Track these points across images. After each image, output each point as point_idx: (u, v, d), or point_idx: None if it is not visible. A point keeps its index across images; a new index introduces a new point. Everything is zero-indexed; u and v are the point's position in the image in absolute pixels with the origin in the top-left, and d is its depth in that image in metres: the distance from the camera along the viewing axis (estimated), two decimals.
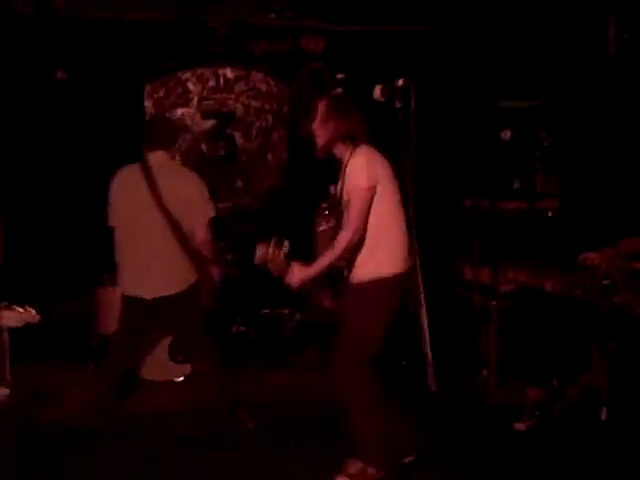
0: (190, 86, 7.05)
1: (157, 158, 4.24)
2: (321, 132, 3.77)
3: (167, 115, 6.74)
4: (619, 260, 4.21)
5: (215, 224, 5.66)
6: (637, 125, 5.66)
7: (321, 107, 3.77)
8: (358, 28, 7.00)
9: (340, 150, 3.78)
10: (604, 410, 4.27)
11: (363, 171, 3.62)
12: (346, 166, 3.71)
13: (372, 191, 3.62)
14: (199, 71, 7.05)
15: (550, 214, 5.43)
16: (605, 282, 4.06)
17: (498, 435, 4.32)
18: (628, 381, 4.27)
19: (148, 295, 4.25)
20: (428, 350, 2.62)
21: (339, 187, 3.81)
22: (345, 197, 3.72)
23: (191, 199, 4.22)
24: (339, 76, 7.07)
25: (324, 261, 3.76)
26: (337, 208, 3.86)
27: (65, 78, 6.45)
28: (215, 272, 4.49)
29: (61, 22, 6.34)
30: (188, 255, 4.27)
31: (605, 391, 4.27)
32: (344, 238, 3.64)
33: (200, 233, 4.32)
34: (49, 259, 6.27)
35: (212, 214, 4.31)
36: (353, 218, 3.63)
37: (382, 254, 3.71)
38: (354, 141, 3.72)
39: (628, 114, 5.72)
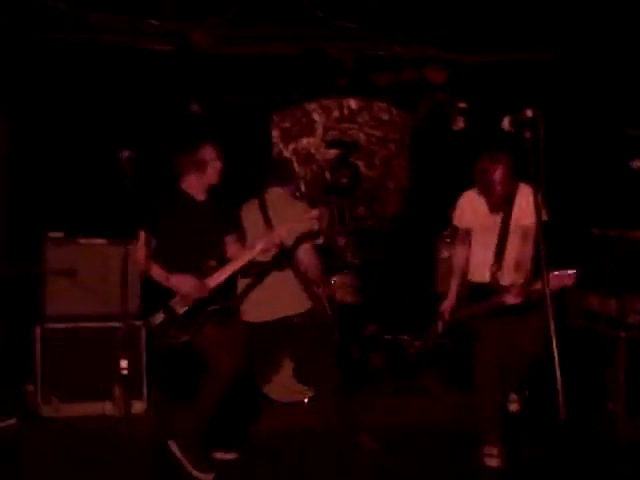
0: (315, 116, 7.28)
1: (273, 193, 4.75)
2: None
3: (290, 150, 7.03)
4: None
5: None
6: None
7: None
8: (480, 58, 7.03)
9: None
10: None
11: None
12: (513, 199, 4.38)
13: None
14: (324, 102, 7.27)
15: None
16: None
17: (626, 470, 4.22)
18: None
19: (270, 317, 4.53)
20: (559, 378, 2.63)
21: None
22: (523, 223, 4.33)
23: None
24: (461, 105, 7.12)
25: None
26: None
27: (199, 111, 6.78)
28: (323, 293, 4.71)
29: (197, 59, 6.68)
30: (299, 279, 4.59)
31: None
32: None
33: (305, 258, 4.53)
34: None
35: (319, 241, 4.49)
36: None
37: None
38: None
39: None
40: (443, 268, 6.40)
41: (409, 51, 7.00)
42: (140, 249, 4.20)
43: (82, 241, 5.53)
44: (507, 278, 4.41)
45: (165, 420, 5.03)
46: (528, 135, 3.12)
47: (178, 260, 4.18)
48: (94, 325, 5.35)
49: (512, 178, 4.42)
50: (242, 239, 4.42)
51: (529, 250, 4.41)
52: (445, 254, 6.36)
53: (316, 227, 4.51)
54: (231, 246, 4.37)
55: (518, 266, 4.44)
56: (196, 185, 4.31)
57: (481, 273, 4.54)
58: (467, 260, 4.71)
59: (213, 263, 4.22)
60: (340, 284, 6.02)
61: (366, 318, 6.30)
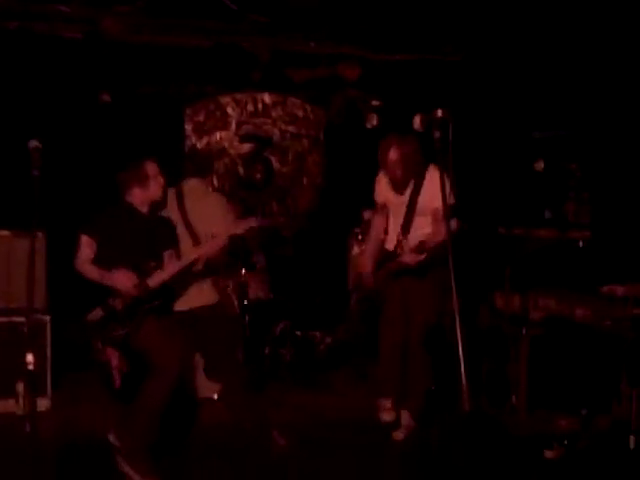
0: (229, 110, 7.23)
1: (190, 184, 4.80)
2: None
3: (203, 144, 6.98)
4: None
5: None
6: None
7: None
8: (393, 57, 7.13)
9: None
10: (632, 439, 4.30)
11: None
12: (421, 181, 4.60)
13: None
14: (238, 96, 7.23)
15: (581, 244, 5.50)
16: (635, 312, 4.10)
17: (528, 463, 4.36)
18: None
19: (186, 306, 4.56)
20: (463, 372, 2.69)
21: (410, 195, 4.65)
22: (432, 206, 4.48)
23: (213, 217, 4.57)
24: (374, 103, 7.21)
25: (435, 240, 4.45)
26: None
27: (109, 101, 6.64)
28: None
29: (106, 47, 6.53)
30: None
31: (634, 420, 4.30)
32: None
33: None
34: None
35: (235, 231, 4.49)
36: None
37: None
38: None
39: None
40: (355, 265, 6.48)
41: (323, 48, 7.01)
42: (82, 251, 4.25)
43: None
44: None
45: (70, 418, 4.93)
46: (437, 135, 3.16)
47: (117, 264, 4.21)
48: None
49: (411, 161, 4.62)
50: (178, 256, 4.43)
51: (438, 231, 4.51)
52: (357, 251, 6.43)
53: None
54: (168, 261, 4.40)
55: (422, 246, 4.57)
56: (140, 198, 4.39)
57: (390, 243, 4.84)
58: (384, 230, 4.96)
59: (153, 264, 4.27)
60: (252, 281, 6.00)
61: (277, 315, 6.30)
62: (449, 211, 3.95)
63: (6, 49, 6.17)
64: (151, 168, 4.41)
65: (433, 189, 4.48)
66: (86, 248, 4.25)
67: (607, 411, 4.51)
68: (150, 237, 4.37)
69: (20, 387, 5.00)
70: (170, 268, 4.28)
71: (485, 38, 6.80)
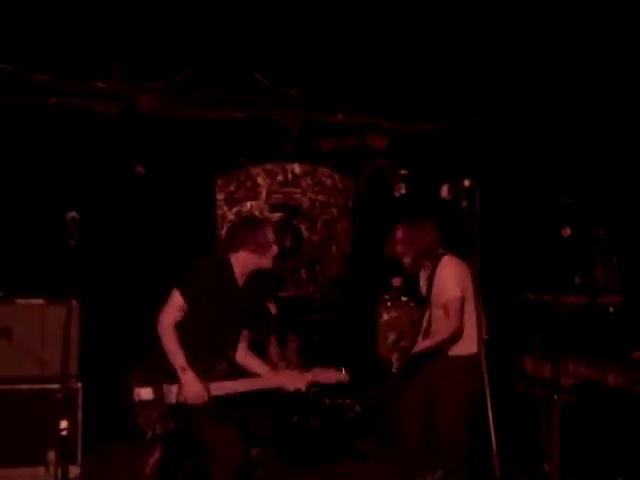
0: (259, 180, 7.38)
1: None
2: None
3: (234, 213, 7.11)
4: None
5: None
6: None
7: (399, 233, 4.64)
8: (421, 127, 7.27)
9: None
10: None
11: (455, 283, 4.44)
12: (433, 274, 4.52)
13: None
14: (268, 166, 7.39)
15: (611, 309, 5.46)
16: None
17: None
18: None
19: None
20: (493, 437, 2.70)
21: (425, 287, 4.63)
22: (439, 301, 4.48)
23: None
24: (402, 172, 7.32)
25: (428, 343, 4.51)
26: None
27: (143, 172, 6.81)
28: None
29: (142, 121, 6.74)
30: None
31: None
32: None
33: None
34: None
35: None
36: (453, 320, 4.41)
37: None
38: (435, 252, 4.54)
39: None
40: (383, 332, 6.48)
41: (352, 119, 7.18)
42: (173, 312, 3.81)
43: (20, 301, 5.45)
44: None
45: None
46: (465, 204, 3.20)
47: (201, 343, 3.82)
48: (30, 387, 5.23)
49: (416, 243, 4.61)
50: (248, 337, 4.13)
51: (448, 324, 4.49)
52: (385, 317, 6.44)
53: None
54: (242, 341, 4.08)
55: (432, 333, 4.61)
56: (245, 265, 3.94)
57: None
58: None
59: (225, 366, 3.90)
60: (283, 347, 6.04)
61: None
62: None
63: (46, 124, 6.40)
64: (271, 233, 3.99)
65: (440, 281, 4.53)
66: (177, 311, 3.81)
67: None
68: (243, 315, 4.00)
69: (51, 455, 5.03)
70: (238, 385, 3.87)
71: (511, 107, 6.93)
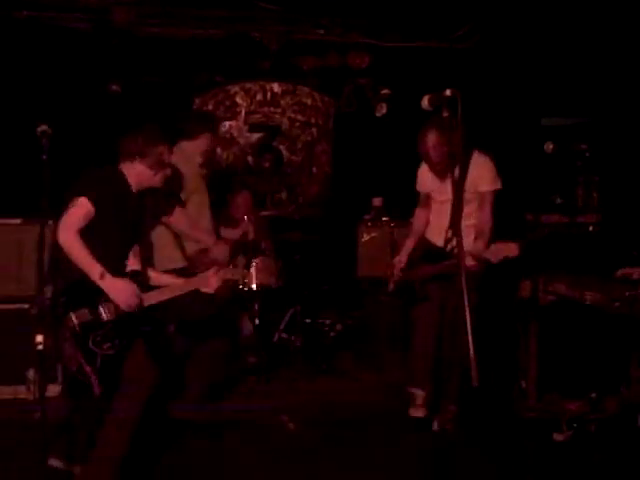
0: (238, 99, 7.23)
1: None
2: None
3: None
4: None
5: None
6: None
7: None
8: (403, 45, 7.11)
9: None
10: None
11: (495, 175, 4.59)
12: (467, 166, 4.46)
13: None
14: (247, 85, 7.23)
15: (591, 228, 5.47)
16: None
17: (537, 445, 4.36)
18: None
19: None
20: (471, 348, 2.70)
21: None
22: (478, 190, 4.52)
23: None
24: (384, 91, 7.20)
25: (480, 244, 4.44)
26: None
27: (119, 91, 6.65)
28: None
29: (116, 37, 6.54)
30: None
31: None
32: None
33: None
34: None
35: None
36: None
37: None
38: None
39: None
40: (364, 252, 6.48)
41: (333, 36, 7.01)
42: (78, 220, 3.50)
43: None
44: (465, 244, 4.49)
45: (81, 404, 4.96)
46: (446, 114, 3.16)
47: (110, 250, 3.63)
48: (7, 307, 5.21)
49: (447, 144, 4.35)
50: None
51: (487, 218, 4.56)
52: (366, 237, 6.43)
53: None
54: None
55: (478, 233, 4.55)
56: (139, 178, 3.79)
57: (437, 236, 4.68)
58: (426, 223, 4.90)
59: (138, 269, 3.75)
60: (261, 267, 5.99)
61: (287, 302, 6.32)
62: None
63: (16, 38, 6.20)
64: (168, 154, 3.87)
65: (477, 174, 4.52)
66: (83, 219, 3.51)
67: (616, 394, 4.49)
68: (139, 222, 3.86)
69: (31, 373, 5.03)
70: (160, 295, 3.76)
71: (495, 25, 6.78)
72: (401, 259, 4.86)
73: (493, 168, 4.61)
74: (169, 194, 4.37)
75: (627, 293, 4.19)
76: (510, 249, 4.05)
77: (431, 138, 4.50)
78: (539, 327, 4.96)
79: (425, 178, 4.84)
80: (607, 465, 4.09)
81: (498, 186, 4.61)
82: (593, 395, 4.53)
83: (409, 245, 4.92)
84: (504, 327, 5.27)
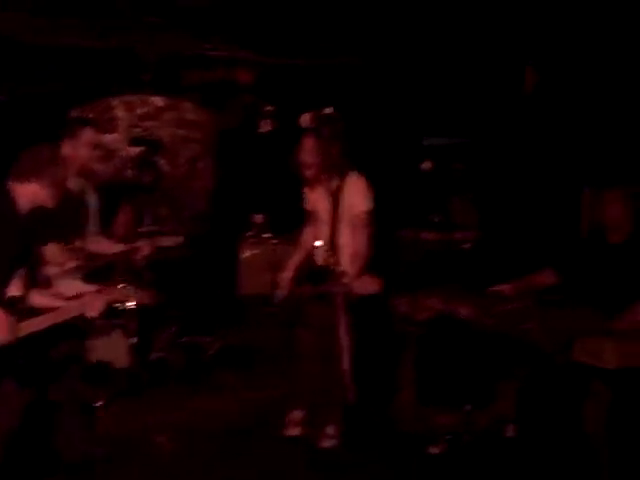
0: (118, 113, 7.06)
1: None
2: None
3: None
4: (528, 291, 4.37)
5: None
6: (550, 163, 5.92)
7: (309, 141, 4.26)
8: (288, 61, 7.13)
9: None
10: (511, 428, 4.38)
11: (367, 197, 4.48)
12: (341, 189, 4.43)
13: None
14: (128, 98, 7.07)
15: (466, 245, 5.60)
16: (514, 307, 4.16)
17: (413, 458, 4.40)
18: (536, 403, 4.38)
19: None
20: (347, 365, 2.70)
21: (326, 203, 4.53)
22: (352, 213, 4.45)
23: None
24: (269, 108, 7.19)
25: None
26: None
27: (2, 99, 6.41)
28: None
29: None
30: None
31: (512, 414, 4.37)
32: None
33: None
34: None
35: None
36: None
37: None
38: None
39: (542, 152, 5.97)
40: (245, 269, 6.42)
41: (217, 51, 6.95)
42: None
43: None
44: (343, 263, 4.49)
45: None
46: (326, 132, 3.18)
47: None
48: None
49: (323, 154, 4.35)
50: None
51: (361, 239, 4.52)
52: (247, 254, 6.38)
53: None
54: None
55: (353, 256, 4.53)
56: (28, 198, 3.53)
57: (319, 256, 4.67)
58: (313, 240, 4.78)
59: (17, 296, 3.43)
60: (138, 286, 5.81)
61: (165, 320, 6.16)
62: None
63: None
64: (63, 174, 3.64)
65: (351, 195, 4.50)
66: None
67: (488, 406, 4.59)
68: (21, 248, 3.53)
69: None
70: (43, 321, 3.43)
71: (379, 46, 6.90)
72: (287, 275, 4.81)
73: (365, 189, 4.57)
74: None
75: (499, 308, 4.28)
76: (374, 285, 4.10)
77: (308, 142, 4.41)
78: (416, 343, 5.01)
79: (311, 196, 4.82)
80: (480, 476, 4.16)
81: (370, 206, 4.57)
82: (467, 408, 4.60)
83: (295, 261, 4.87)
84: (382, 344, 5.30)
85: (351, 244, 4.55)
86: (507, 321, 4.27)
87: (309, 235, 4.88)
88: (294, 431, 4.68)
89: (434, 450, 4.43)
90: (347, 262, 4.50)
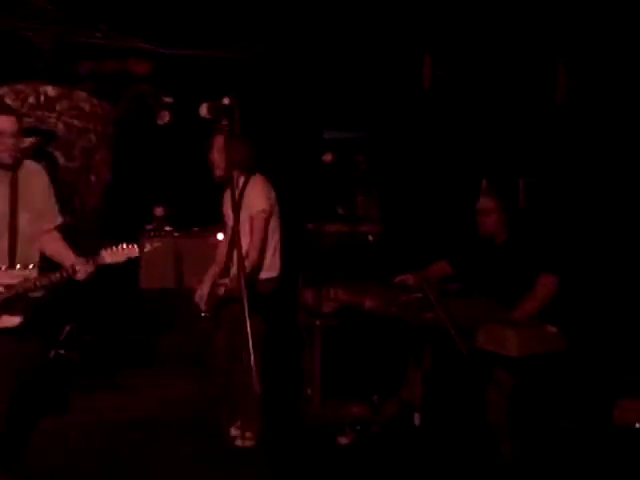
0: (8, 102, 6.74)
1: None
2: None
3: None
4: (430, 280, 4.48)
5: None
6: (449, 156, 6.07)
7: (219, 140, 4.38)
8: (185, 52, 7.00)
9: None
10: (417, 416, 4.47)
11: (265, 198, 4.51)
12: (244, 189, 4.47)
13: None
14: (18, 86, 6.77)
15: (370, 238, 5.68)
16: (418, 297, 4.24)
17: (322, 450, 4.44)
18: (442, 391, 4.51)
19: None
20: (251, 355, 2.69)
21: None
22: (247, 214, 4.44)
23: None
24: (166, 99, 7.04)
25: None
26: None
27: None
28: None
29: None
30: None
31: (419, 401, 4.48)
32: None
33: None
34: None
35: None
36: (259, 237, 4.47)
37: None
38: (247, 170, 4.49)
39: (442, 145, 6.12)
40: (147, 263, 6.29)
41: (111, 40, 6.75)
42: None
43: None
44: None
45: None
46: (225, 122, 3.16)
47: None
48: None
49: (232, 150, 4.26)
50: None
51: (255, 238, 4.49)
52: (148, 248, 6.23)
53: None
54: None
55: (245, 255, 4.44)
56: None
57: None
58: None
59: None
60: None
61: (64, 318, 5.98)
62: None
63: None
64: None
65: (251, 195, 4.50)
66: None
67: (395, 395, 4.68)
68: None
69: None
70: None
71: (279, 38, 6.87)
72: (204, 291, 4.69)
73: (264, 188, 4.58)
74: None
75: (403, 298, 4.37)
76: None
77: (217, 141, 4.49)
78: (322, 334, 5.06)
79: (224, 199, 4.77)
80: (388, 464, 4.25)
81: (264, 206, 4.54)
82: (374, 398, 4.69)
83: (210, 276, 4.75)
84: (288, 336, 5.33)
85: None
86: (411, 311, 4.36)
87: (222, 248, 4.83)
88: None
89: (343, 441, 4.50)
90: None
